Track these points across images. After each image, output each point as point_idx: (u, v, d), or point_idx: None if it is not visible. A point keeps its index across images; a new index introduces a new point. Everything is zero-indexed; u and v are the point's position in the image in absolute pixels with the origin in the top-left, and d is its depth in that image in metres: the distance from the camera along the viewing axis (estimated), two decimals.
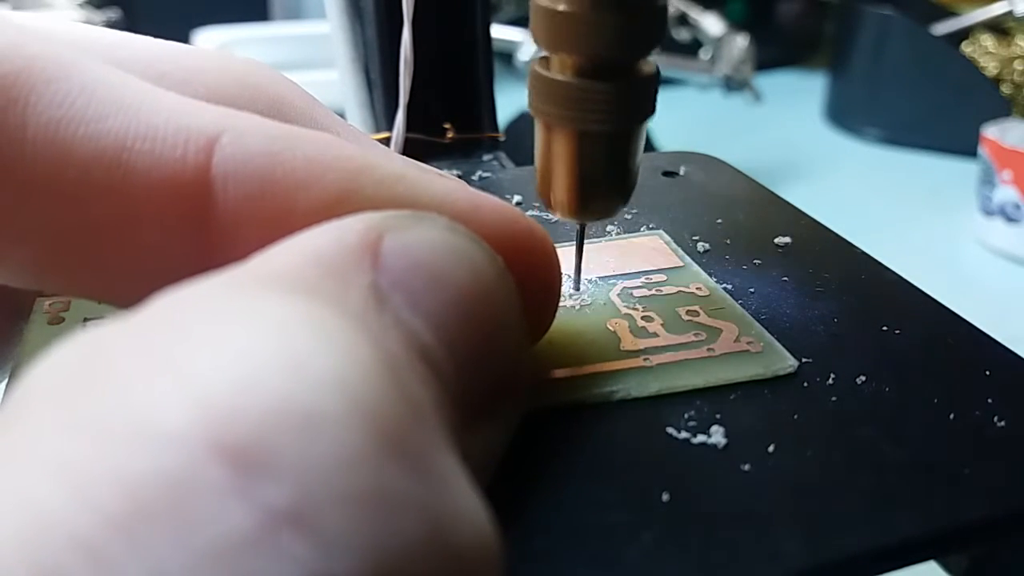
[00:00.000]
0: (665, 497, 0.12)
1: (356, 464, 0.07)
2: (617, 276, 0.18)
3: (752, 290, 0.18)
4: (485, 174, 0.24)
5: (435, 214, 0.11)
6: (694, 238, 0.20)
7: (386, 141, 0.25)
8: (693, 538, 0.11)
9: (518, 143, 0.28)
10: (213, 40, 0.86)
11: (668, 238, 0.20)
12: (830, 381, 0.15)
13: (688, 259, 0.19)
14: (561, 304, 0.16)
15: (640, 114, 0.15)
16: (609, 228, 0.20)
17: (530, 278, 0.12)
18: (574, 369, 0.15)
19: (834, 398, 0.14)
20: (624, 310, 0.17)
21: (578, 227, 0.17)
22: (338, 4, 0.28)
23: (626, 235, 0.20)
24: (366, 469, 0.07)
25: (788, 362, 0.15)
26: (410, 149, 0.25)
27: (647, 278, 0.18)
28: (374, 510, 0.07)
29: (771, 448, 0.13)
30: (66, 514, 0.06)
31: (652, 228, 0.20)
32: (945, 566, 0.15)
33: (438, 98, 0.27)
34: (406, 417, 0.08)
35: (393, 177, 0.12)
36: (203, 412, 0.07)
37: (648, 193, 0.22)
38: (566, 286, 0.17)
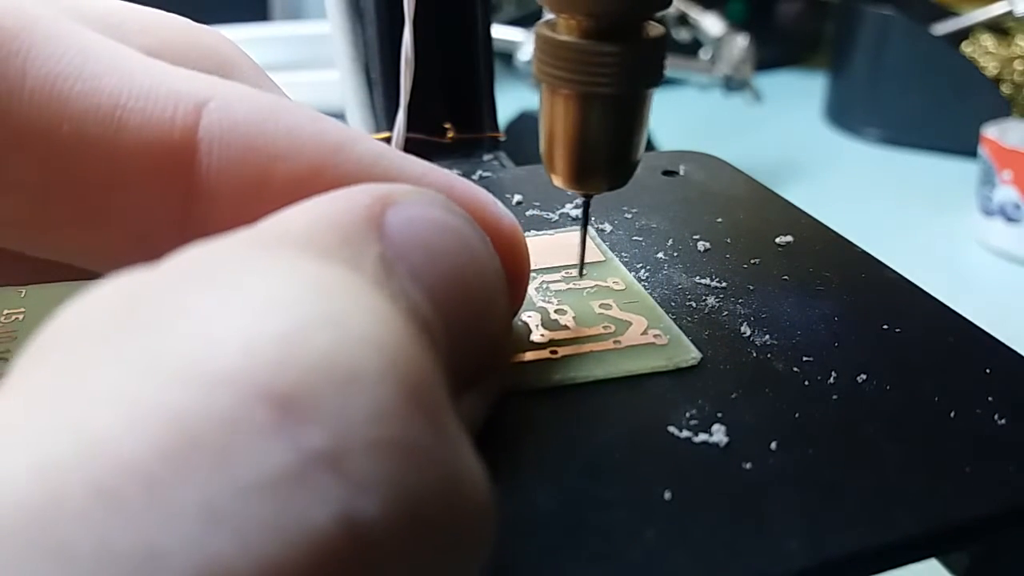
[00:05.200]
0: (667, 495, 0.12)
1: (388, 416, 0.08)
2: (538, 270, 0.18)
3: (752, 288, 0.18)
4: (485, 174, 0.24)
5: (433, 192, 0.12)
6: (694, 237, 0.20)
7: (386, 141, 0.24)
8: (695, 536, 0.11)
9: (518, 143, 0.28)
10: None
11: (593, 232, 0.20)
12: (831, 380, 0.15)
13: (610, 254, 0.19)
14: None
15: (647, 79, 0.15)
16: (607, 227, 0.20)
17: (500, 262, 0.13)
18: None
19: (835, 396, 0.14)
20: (539, 303, 0.17)
21: (583, 203, 0.17)
22: (338, 4, 0.28)
23: (551, 231, 0.20)
24: (396, 421, 0.08)
25: (691, 354, 0.15)
26: (410, 149, 0.24)
27: (567, 272, 0.18)
28: (399, 458, 0.08)
29: (772, 446, 0.13)
30: (123, 443, 0.07)
31: (596, 224, 0.20)
32: (946, 564, 0.15)
33: (438, 98, 0.27)
34: (426, 377, 0.09)
35: (372, 155, 0.12)
36: (252, 360, 0.08)
37: (648, 192, 0.22)
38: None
